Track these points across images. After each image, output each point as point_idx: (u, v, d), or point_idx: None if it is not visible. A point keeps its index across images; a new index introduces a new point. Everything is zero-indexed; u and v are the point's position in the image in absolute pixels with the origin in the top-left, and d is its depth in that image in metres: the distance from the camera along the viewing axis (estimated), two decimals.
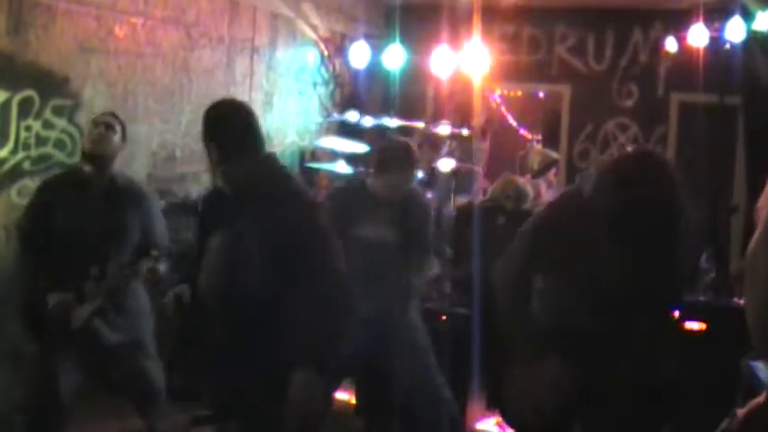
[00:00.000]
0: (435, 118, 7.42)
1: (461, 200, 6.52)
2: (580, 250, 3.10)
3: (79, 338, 4.08)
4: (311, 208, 3.28)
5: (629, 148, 3.33)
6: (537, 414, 3.17)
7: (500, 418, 5.23)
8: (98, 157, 4.16)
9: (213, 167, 3.21)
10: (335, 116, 7.25)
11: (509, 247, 3.35)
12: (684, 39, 6.86)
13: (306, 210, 3.20)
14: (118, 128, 4.27)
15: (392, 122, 6.93)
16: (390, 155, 4.60)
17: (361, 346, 4.40)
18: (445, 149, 6.63)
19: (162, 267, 4.11)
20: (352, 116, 7.11)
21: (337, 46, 7.78)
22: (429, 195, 6.12)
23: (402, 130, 6.92)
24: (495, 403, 4.92)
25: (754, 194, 2.02)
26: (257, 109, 6.83)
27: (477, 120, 7.08)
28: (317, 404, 3.09)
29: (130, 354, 4.22)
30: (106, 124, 4.22)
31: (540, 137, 7.92)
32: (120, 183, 4.26)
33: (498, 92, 8.21)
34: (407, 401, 4.51)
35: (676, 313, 3.70)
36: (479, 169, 6.76)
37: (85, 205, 4.11)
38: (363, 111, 7.34)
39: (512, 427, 3.54)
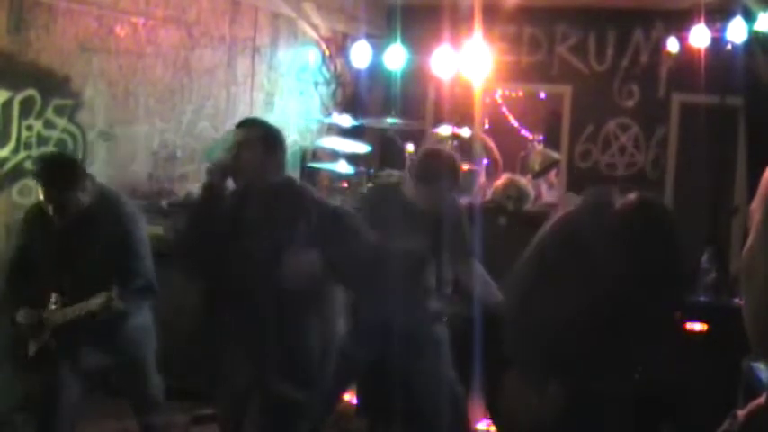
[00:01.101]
0: (436, 118, 7.42)
1: (462, 201, 6.52)
2: (584, 274, 3.14)
3: (68, 364, 3.98)
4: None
5: (634, 198, 3.31)
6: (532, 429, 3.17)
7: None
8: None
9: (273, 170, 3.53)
10: (335, 120, 7.24)
11: (516, 268, 3.37)
12: (686, 39, 6.86)
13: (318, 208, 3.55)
14: (77, 196, 3.91)
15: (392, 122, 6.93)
16: (435, 166, 4.42)
17: (378, 351, 4.37)
18: None
19: (119, 305, 3.74)
20: (344, 120, 7.11)
21: (339, 46, 7.78)
22: None
23: (402, 130, 6.94)
24: (492, 418, 4.94)
25: (754, 195, 2.02)
26: (258, 109, 6.91)
27: (478, 121, 7.08)
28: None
29: (126, 373, 4.14)
30: (65, 204, 3.90)
31: (541, 137, 7.92)
32: (92, 210, 3.96)
33: (499, 92, 8.21)
34: (421, 400, 4.45)
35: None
36: (480, 169, 6.75)
37: (51, 237, 3.97)
38: (364, 111, 7.35)
39: None
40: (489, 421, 5.29)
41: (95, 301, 3.74)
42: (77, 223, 3.91)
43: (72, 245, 3.91)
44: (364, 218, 4.43)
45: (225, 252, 3.46)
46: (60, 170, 3.96)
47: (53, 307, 3.89)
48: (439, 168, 4.40)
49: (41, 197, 3.93)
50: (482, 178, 6.88)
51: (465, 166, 6.65)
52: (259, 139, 3.52)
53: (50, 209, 3.91)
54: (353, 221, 3.64)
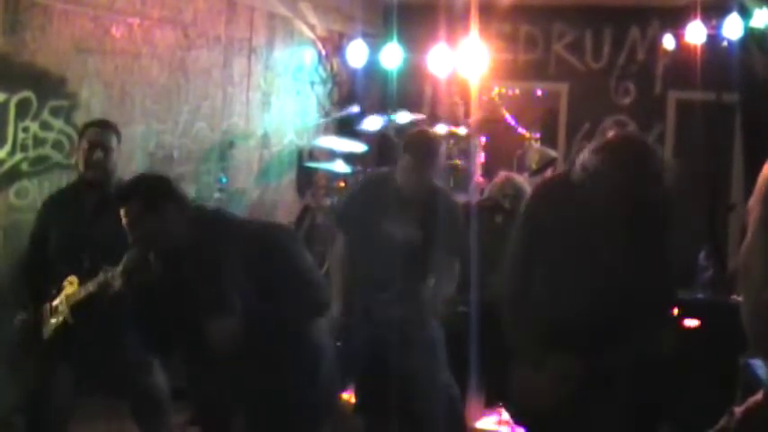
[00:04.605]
0: (433, 116, 7.42)
1: (459, 199, 6.52)
2: (575, 239, 3.12)
3: (73, 358, 4.03)
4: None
5: (612, 134, 3.32)
6: (541, 407, 3.17)
7: (500, 417, 5.25)
8: (98, 182, 4.11)
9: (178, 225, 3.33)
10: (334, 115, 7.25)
11: (507, 249, 3.36)
12: (682, 36, 6.87)
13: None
14: (114, 143, 4.18)
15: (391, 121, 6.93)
16: (412, 145, 4.44)
17: (373, 345, 4.37)
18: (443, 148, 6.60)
19: (118, 283, 3.63)
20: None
21: (335, 45, 7.78)
22: None
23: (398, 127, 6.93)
24: (498, 398, 4.91)
25: (751, 192, 2.02)
26: (255, 109, 6.91)
27: (475, 118, 7.08)
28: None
29: (131, 372, 4.12)
30: (103, 146, 4.13)
31: (537, 135, 7.92)
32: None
33: (496, 90, 8.21)
34: (416, 401, 4.46)
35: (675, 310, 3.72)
36: (477, 167, 6.75)
37: (78, 223, 4.05)
38: (361, 110, 7.34)
39: (516, 421, 3.55)
40: (494, 417, 5.30)
41: (98, 279, 3.74)
42: (103, 207, 3.95)
43: (96, 230, 3.93)
44: (357, 206, 4.52)
45: (174, 326, 3.32)
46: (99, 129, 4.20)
47: (69, 288, 3.94)
48: (415, 148, 4.40)
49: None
50: (478, 176, 6.88)
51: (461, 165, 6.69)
52: (142, 209, 3.25)
53: (90, 185, 4.09)
54: (282, 240, 3.43)
